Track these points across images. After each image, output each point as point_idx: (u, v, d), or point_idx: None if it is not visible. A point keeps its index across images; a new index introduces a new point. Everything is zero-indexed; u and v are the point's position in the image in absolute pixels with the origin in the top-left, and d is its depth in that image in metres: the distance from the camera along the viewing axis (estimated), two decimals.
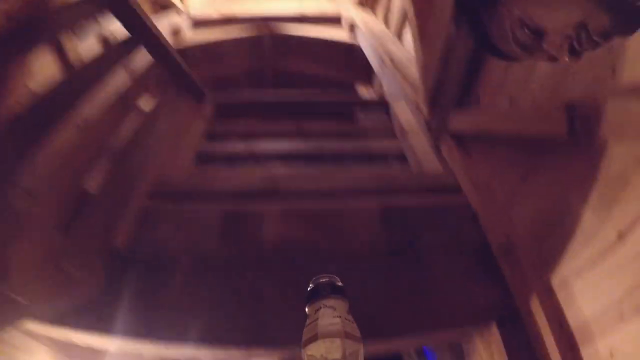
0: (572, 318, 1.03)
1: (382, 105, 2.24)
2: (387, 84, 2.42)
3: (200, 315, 1.08)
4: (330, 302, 0.58)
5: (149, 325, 1.07)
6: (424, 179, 1.58)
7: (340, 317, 0.57)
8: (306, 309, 0.60)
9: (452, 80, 1.58)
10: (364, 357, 1.10)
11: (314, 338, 0.55)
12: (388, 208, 1.36)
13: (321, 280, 0.61)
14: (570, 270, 1.04)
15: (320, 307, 0.58)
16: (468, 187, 1.52)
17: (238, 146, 1.76)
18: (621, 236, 0.90)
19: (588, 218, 1.01)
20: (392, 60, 2.44)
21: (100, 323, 1.08)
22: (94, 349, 1.75)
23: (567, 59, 0.81)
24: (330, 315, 0.58)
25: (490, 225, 1.36)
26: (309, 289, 0.62)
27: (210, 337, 1.06)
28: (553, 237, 1.11)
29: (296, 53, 3.21)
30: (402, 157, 1.84)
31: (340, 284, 0.61)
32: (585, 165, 1.00)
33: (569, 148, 1.06)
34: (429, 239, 1.31)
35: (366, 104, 2.41)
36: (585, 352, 0.98)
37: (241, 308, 1.10)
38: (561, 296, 1.07)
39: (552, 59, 0.90)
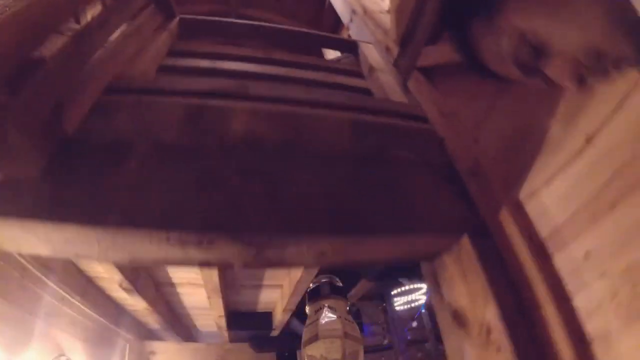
0: (544, 228, 1.04)
1: (350, 45, 2.22)
2: (357, 31, 2.41)
3: (156, 198, 1.00)
4: (331, 302, 0.56)
5: (99, 208, 0.96)
6: (392, 105, 1.57)
7: (340, 317, 0.55)
8: (306, 309, 0.58)
9: (425, 21, 1.57)
10: (342, 253, 1.05)
11: (314, 338, 0.53)
12: (358, 121, 1.34)
13: (322, 280, 0.59)
14: (539, 181, 1.05)
15: (321, 308, 0.56)
16: (435, 116, 1.53)
17: (204, 62, 1.67)
18: (589, 139, 0.92)
19: (555, 130, 1.02)
20: (364, 10, 2.44)
21: (39, 204, 0.94)
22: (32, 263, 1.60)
23: (571, 87, 0.74)
24: (330, 315, 0.55)
25: (457, 148, 1.37)
26: (309, 288, 0.59)
27: (166, 221, 0.96)
28: (521, 153, 1.13)
29: (262, 4, 3.13)
30: (369, 93, 1.83)
31: (340, 284, 0.59)
32: (551, 83, 1.00)
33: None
34: (397, 152, 1.30)
35: (335, 42, 2.38)
36: (558, 259, 0.99)
37: (201, 194, 1.02)
38: (531, 208, 1.08)
39: (553, 85, 0.83)
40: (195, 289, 2.72)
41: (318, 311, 0.60)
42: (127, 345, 3.66)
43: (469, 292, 1.09)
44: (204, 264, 1.02)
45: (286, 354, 3.80)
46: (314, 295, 0.60)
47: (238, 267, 1.01)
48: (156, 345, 3.87)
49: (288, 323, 3.03)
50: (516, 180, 1.13)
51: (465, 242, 1.11)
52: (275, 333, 3.41)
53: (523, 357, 0.90)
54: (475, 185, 1.25)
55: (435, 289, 1.35)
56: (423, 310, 5.40)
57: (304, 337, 0.58)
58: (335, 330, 0.57)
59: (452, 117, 1.49)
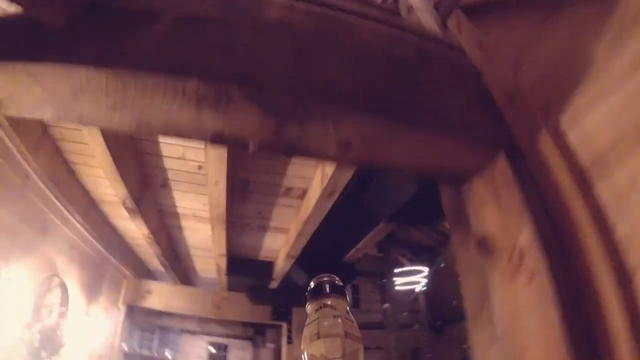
0: (586, 154, 0.95)
1: None
2: None
3: (178, 52, 0.94)
4: (331, 301, 0.62)
5: (114, 56, 0.91)
6: (430, 33, 1.50)
7: (340, 316, 0.60)
8: (307, 308, 0.64)
9: None
10: (369, 145, 0.97)
11: (314, 337, 0.58)
12: (397, 35, 1.28)
13: (322, 279, 0.65)
14: (582, 106, 0.97)
15: (321, 307, 0.62)
16: (474, 49, 1.46)
17: None
18: (635, 64, 0.84)
19: (600, 55, 0.95)
20: None
21: (52, 50, 0.90)
22: None
23: None
24: (330, 314, 0.60)
25: (495, 78, 1.29)
26: (309, 287, 0.65)
27: (185, 70, 0.90)
28: (563, 80, 1.05)
29: None
30: None
31: (340, 283, 0.64)
32: (599, 11, 0.94)
33: None
34: (432, 69, 1.23)
35: None
36: (601, 187, 0.90)
37: (227, 52, 0.95)
38: (572, 134, 1.00)
39: None
40: (200, 223, 2.67)
41: (318, 310, 0.61)
42: (125, 280, 3.65)
43: (501, 215, 1.01)
44: (216, 136, 0.94)
45: (282, 310, 3.77)
46: (314, 294, 0.62)
47: (254, 146, 0.93)
48: (153, 285, 3.86)
49: (288, 274, 2.99)
50: (557, 106, 1.05)
51: (501, 160, 1.03)
52: (274, 285, 3.37)
53: (559, 285, 0.82)
54: (513, 111, 1.17)
55: (458, 220, 1.29)
56: (423, 288, 5.37)
57: (304, 337, 0.60)
58: (335, 330, 0.59)
59: (491, 50, 1.44)
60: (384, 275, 5.55)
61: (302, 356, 0.60)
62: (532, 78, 1.20)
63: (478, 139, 1.08)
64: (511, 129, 1.14)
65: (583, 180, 0.94)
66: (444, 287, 5.52)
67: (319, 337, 0.58)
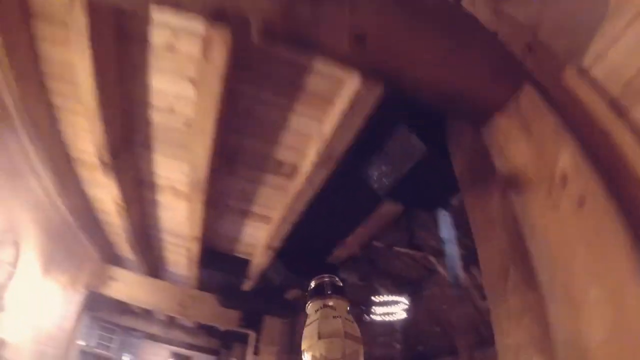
0: (615, 85, 0.91)
1: None
2: None
3: None
4: (331, 301, 0.61)
5: None
6: None
7: (340, 317, 0.60)
8: (307, 308, 0.64)
9: None
10: (385, 39, 0.88)
11: (315, 338, 0.58)
12: None
13: (323, 280, 0.65)
14: (603, 43, 0.95)
15: (321, 307, 0.61)
16: (490, 16, 1.43)
17: None
18: None
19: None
20: None
21: None
22: None
23: None
24: (330, 315, 0.60)
25: (512, 36, 1.24)
26: (310, 287, 0.65)
27: None
28: (582, 25, 1.03)
29: None
30: None
31: (340, 284, 0.65)
32: None
33: None
34: (449, 23, 1.17)
35: None
36: (637, 111, 0.85)
37: None
38: (598, 69, 0.97)
39: None
40: (177, 200, 2.48)
41: (319, 310, 0.62)
42: (89, 260, 3.40)
43: (533, 145, 0.92)
44: (218, 11, 0.82)
45: (252, 316, 3.51)
46: (315, 294, 0.64)
47: (258, 28, 0.81)
48: (118, 272, 3.61)
49: (265, 272, 2.78)
50: (579, 48, 1.04)
51: (528, 89, 0.98)
52: (247, 286, 3.16)
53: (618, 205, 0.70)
54: (533, 58, 1.13)
55: (473, 173, 1.23)
56: (401, 319, 5.14)
57: (304, 337, 0.61)
58: (335, 330, 0.59)
59: (507, 15, 1.42)
60: (363, 304, 5.35)
61: (302, 356, 0.60)
62: (552, 30, 1.16)
63: (501, 71, 1.04)
64: (533, 72, 1.08)
65: (617, 107, 0.90)
66: (424, 320, 5.32)
67: (319, 338, 0.58)
